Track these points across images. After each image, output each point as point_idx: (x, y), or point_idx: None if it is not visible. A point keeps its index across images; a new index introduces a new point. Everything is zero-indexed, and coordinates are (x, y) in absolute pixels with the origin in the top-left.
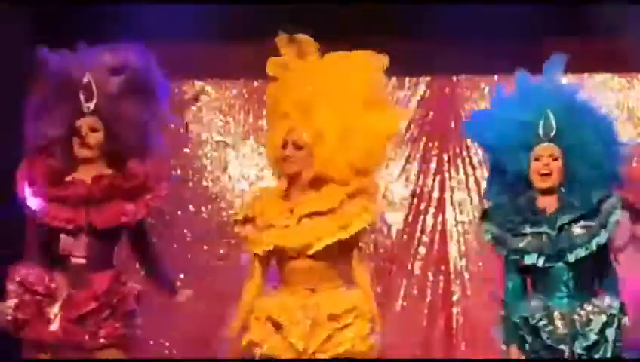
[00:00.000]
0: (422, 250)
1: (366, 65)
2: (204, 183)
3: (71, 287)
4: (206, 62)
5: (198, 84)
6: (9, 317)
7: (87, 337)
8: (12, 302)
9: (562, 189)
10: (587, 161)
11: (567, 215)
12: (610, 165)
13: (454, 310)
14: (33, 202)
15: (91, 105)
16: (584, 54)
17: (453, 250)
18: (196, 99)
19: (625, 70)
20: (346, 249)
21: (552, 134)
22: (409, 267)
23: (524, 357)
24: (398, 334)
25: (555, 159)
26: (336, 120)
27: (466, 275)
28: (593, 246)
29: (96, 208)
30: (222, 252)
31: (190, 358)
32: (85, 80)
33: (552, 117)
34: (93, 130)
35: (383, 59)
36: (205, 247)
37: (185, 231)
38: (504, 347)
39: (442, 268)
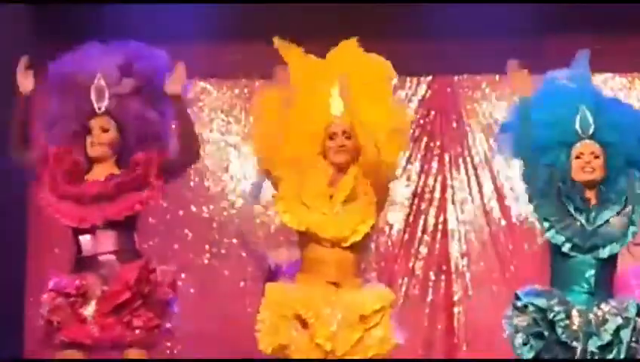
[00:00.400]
0: (423, 250)
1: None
2: (206, 183)
3: (103, 285)
4: (207, 61)
5: (200, 83)
6: (42, 323)
7: (122, 329)
8: (45, 308)
9: (602, 187)
10: (624, 156)
11: (607, 212)
12: None
13: (455, 310)
14: (50, 204)
15: (103, 105)
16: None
17: (454, 249)
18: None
19: (626, 70)
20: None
21: (591, 131)
22: (410, 267)
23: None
24: (398, 334)
25: (597, 157)
26: (365, 107)
27: (468, 275)
28: (628, 238)
29: (109, 203)
30: (223, 252)
31: (190, 358)
32: (97, 80)
33: (587, 113)
34: (105, 130)
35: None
36: (206, 247)
37: (186, 231)
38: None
39: (443, 267)
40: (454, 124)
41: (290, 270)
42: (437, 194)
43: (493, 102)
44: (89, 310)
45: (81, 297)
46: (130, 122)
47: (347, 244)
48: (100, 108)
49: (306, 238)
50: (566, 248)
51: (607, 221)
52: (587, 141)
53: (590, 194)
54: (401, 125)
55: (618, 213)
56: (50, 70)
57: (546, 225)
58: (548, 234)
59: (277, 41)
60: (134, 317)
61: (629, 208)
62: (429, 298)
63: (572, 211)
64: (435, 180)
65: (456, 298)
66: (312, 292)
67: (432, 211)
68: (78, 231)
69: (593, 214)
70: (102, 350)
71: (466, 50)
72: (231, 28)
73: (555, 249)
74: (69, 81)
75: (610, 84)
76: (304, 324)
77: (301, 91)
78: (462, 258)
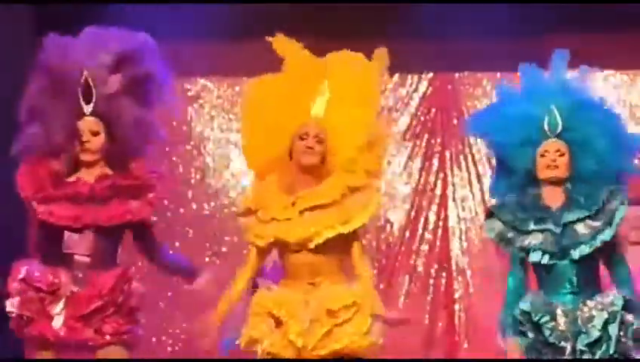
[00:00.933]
0: (424, 247)
1: (366, 67)
2: (207, 181)
3: (74, 285)
4: (208, 59)
5: (201, 81)
6: (13, 315)
7: (91, 334)
8: (15, 299)
9: (568, 186)
10: (593, 157)
11: (573, 212)
12: (617, 160)
13: (456, 307)
14: (36, 203)
15: (90, 106)
16: (585, 51)
17: (455, 246)
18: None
19: (627, 67)
20: (348, 243)
21: (558, 130)
22: (411, 264)
23: (521, 349)
24: (399, 331)
25: (562, 155)
26: (345, 115)
27: (468, 272)
28: (597, 243)
29: (100, 207)
30: (224, 249)
31: (191, 358)
32: (83, 80)
33: (557, 112)
34: (95, 133)
35: (381, 62)
36: (207, 245)
37: (187, 228)
38: (501, 339)
39: (444, 265)
40: (455, 122)
41: (272, 272)
42: (438, 192)
43: (494, 100)
44: (57, 308)
45: (51, 294)
46: (119, 122)
47: (312, 246)
48: (87, 110)
49: (279, 247)
50: (545, 260)
51: (573, 222)
52: (553, 139)
53: (555, 192)
54: (377, 139)
55: (584, 220)
56: (38, 64)
57: (502, 244)
58: (530, 257)
59: (274, 38)
60: (105, 324)
61: (599, 223)
62: (430, 295)
63: (532, 226)
64: (436, 177)
65: (457, 295)
66: (286, 292)
67: (433, 208)
68: (65, 228)
69: (558, 214)
70: (68, 349)
71: (467, 47)
72: (232, 25)
73: (535, 263)
74: (56, 80)
75: (611, 81)
76: (278, 322)
77: (288, 85)
78: (463, 255)
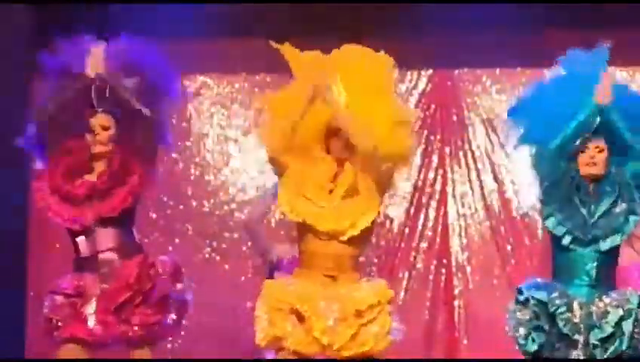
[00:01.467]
0: (424, 244)
1: (376, 57)
2: (206, 177)
3: (103, 283)
4: (208, 56)
5: (200, 78)
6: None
7: (124, 327)
8: (47, 307)
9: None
10: (631, 154)
11: (604, 203)
12: None
13: (456, 303)
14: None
15: (103, 103)
16: (584, 47)
17: (455, 243)
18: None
19: (626, 63)
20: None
21: (596, 125)
22: (411, 260)
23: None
24: (397, 331)
25: (601, 151)
26: (363, 105)
27: (468, 269)
28: (631, 225)
29: (101, 201)
30: (224, 246)
31: (190, 358)
32: (97, 79)
33: (596, 108)
34: (105, 128)
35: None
36: (207, 241)
37: (186, 225)
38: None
39: (444, 261)
40: (455, 118)
41: (290, 266)
42: (437, 188)
43: (493, 96)
44: (90, 309)
45: (80, 297)
46: (129, 120)
47: (345, 238)
48: (99, 107)
49: (303, 231)
50: (566, 241)
51: (606, 212)
52: (592, 136)
53: (592, 188)
54: (403, 118)
55: (614, 203)
56: (47, 65)
57: (547, 211)
58: (548, 223)
59: (276, 45)
60: (133, 315)
61: (625, 197)
62: (430, 292)
63: (577, 203)
64: (436, 174)
65: (456, 291)
66: (307, 286)
67: (433, 205)
68: (74, 233)
69: (593, 207)
70: (103, 347)
71: (466, 43)
72: (231, 22)
73: (556, 242)
74: (67, 79)
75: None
76: (300, 318)
77: (303, 88)
78: (462, 252)
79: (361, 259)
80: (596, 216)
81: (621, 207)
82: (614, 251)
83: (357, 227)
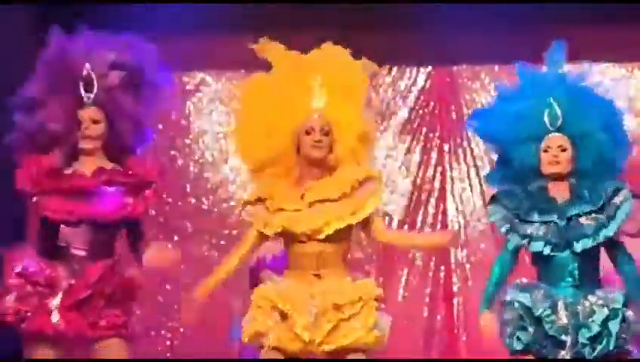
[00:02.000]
0: None
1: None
2: (205, 174)
3: (71, 278)
4: (206, 53)
5: (199, 75)
6: (10, 311)
7: (86, 325)
8: (13, 295)
9: (573, 180)
10: (595, 151)
11: (577, 206)
12: (618, 154)
13: (455, 300)
14: (34, 197)
15: (91, 95)
16: (583, 43)
17: None
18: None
19: (625, 59)
20: (354, 232)
21: (559, 124)
22: (410, 257)
23: (496, 323)
24: (399, 324)
25: (564, 150)
26: (342, 105)
27: (467, 265)
28: (600, 238)
29: (96, 201)
30: (222, 243)
31: (190, 358)
32: (85, 71)
33: (556, 106)
34: (95, 121)
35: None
36: (206, 238)
37: (185, 222)
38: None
39: (443, 258)
40: (454, 115)
41: (274, 263)
42: (436, 185)
43: (492, 93)
44: (55, 302)
45: (49, 288)
46: (118, 114)
47: (322, 236)
48: (88, 99)
49: (285, 236)
50: (547, 251)
51: (577, 216)
52: (555, 134)
53: (561, 188)
54: (370, 129)
55: (589, 214)
56: (41, 57)
57: (504, 229)
58: (525, 245)
59: (257, 44)
60: (101, 317)
61: (603, 216)
62: (429, 288)
63: (536, 217)
64: (435, 171)
65: (455, 288)
66: (290, 285)
67: (432, 202)
68: (61, 222)
69: (563, 208)
70: (66, 343)
71: (465, 40)
72: (230, 19)
73: (536, 254)
74: (57, 70)
75: (610, 74)
76: (284, 316)
77: (282, 84)
78: (461, 249)
79: (360, 255)
80: (565, 219)
81: (595, 221)
82: (593, 251)
83: (331, 226)
